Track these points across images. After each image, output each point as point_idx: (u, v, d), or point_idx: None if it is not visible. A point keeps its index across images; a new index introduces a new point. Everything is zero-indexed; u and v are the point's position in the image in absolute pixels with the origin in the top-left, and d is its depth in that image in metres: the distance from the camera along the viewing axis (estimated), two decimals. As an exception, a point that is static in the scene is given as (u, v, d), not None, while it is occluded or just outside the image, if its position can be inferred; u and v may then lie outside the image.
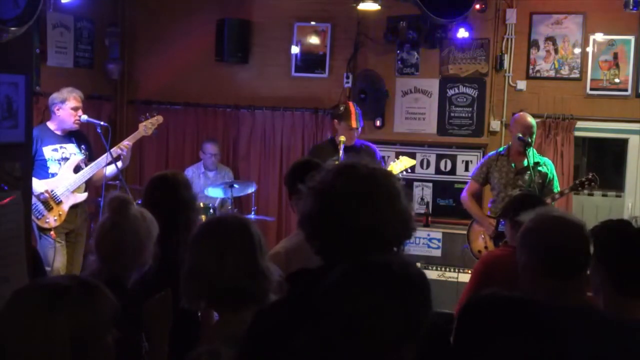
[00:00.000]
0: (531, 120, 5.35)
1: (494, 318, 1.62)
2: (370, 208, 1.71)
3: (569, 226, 2.22)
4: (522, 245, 2.26)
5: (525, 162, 5.17)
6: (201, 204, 5.90)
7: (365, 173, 1.77)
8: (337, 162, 5.07)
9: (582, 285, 2.21)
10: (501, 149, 5.54)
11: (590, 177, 5.01)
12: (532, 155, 5.27)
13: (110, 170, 5.31)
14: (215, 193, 6.28)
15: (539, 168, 5.27)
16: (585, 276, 2.22)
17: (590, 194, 7.39)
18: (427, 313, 1.54)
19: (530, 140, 5.21)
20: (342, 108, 5.41)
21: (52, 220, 5.06)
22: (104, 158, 5.23)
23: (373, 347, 1.46)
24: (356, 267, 1.54)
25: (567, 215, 2.33)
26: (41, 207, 5.02)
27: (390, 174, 1.87)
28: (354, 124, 5.28)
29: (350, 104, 5.48)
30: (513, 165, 5.31)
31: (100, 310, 1.74)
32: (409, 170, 5.58)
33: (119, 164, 5.26)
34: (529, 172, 5.15)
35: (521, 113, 5.54)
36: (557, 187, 5.35)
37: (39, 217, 5.01)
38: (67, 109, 5.15)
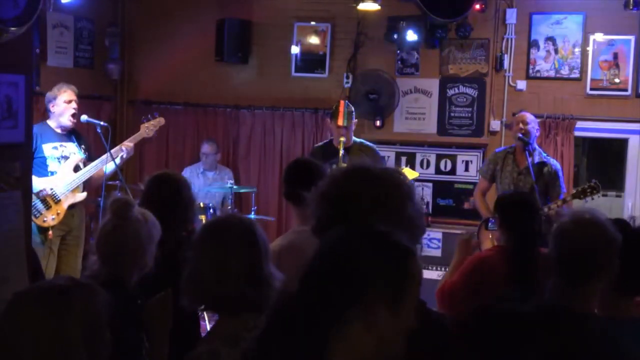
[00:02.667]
0: (527, 114, 5.39)
1: (506, 332, 1.58)
2: (388, 209, 1.69)
3: (596, 232, 2.18)
4: (552, 239, 2.25)
5: (529, 162, 5.15)
6: (201, 204, 5.91)
7: (378, 174, 1.75)
8: (339, 165, 5.04)
9: (591, 293, 2.18)
10: (509, 147, 5.54)
11: (592, 184, 4.93)
12: (537, 156, 5.26)
13: (109, 169, 5.30)
14: (214, 194, 6.29)
15: (544, 169, 5.24)
16: (598, 286, 2.19)
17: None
18: (403, 279, 1.46)
19: (526, 136, 5.20)
20: (333, 107, 5.39)
21: (50, 219, 5.04)
22: (103, 158, 5.22)
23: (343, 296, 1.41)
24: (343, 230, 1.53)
25: (603, 222, 2.24)
26: (40, 205, 5.00)
27: (401, 173, 1.85)
28: (340, 122, 5.19)
29: (342, 102, 5.38)
30: (517, 165, 5.31)
31: (100, 308, 1.80)
32: (413, 182, 5.51)
33: (117, 160, 5.23)
34: (533, 172, 5.13)
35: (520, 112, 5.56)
36: (562, 189, 5.31)
37: (37, 215, 4.98)
38: (60, 102, 5.10)
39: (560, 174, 5.34)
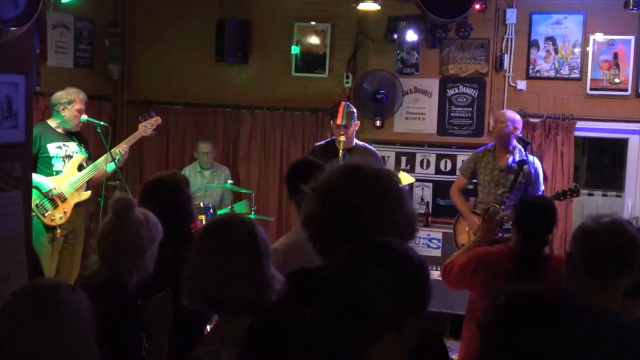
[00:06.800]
0: (507, 113, 5.50)
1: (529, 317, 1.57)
2: (377, 209, 1.70)
3: (621, 230, 2.18)
4: (574, 241, 2.25)
5: (510, 160, 5.22)
6: (201, 204, 5.92)
7: (370, 174, 1.75)
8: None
9: (617, 291, 2.16)
10: (488, 145, 5.58)
11: (572, 187, 5.00)
12: (517, 153, 5.33)
13: (110, 169, 5.36)
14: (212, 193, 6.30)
15: (524, 167, 5.26)
16: (623, 284, 2.17)
17: (590, 194, 7.40)
18: (423, 293, 1.60)
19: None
20: (333, 106, 5.40)
21: (57, 217, 5.10)
22: (104, 158, 5.28)
23: (371, 324, 1.46)
24: (357, 247, 1.56)
25: (625, 223, 2.25)
26: (47, 204, 5.05)
27: (394, 174, 1.86)
28: (338, 121, 5.19)
29: (342, 102, 5.40)
30: (497, 162, 5.37)
31: (84, 310, 1.88)
32: (407, 188, 5.52)
33: (116, 161, 5.30)
34: (513, 170, 5.19)
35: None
36: (541, 186, 5.37)
37: (45, 214, 5.03)
38: (73, 110, 5.21)
39: (540, 172, 5.41)
